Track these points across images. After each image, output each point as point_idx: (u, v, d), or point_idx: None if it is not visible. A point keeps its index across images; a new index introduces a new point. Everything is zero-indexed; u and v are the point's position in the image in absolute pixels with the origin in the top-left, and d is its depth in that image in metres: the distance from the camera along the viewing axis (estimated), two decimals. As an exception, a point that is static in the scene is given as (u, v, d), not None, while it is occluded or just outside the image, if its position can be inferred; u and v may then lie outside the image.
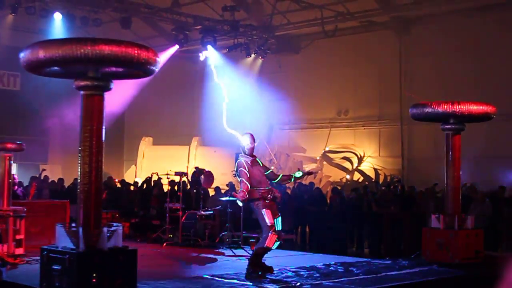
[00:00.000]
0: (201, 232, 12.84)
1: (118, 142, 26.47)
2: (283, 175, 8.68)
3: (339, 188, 17.22)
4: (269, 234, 8.14)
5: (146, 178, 17.64)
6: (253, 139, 8.46)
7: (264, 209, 8.18)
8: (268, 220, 8.16)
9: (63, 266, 6.35)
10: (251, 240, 12.40)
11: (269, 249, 8.22)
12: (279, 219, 8.35)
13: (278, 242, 8.36)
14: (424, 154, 18.85)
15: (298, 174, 8.66)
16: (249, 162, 8.26)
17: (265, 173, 8.41)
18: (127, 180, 19.42)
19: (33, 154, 22.42)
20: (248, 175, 8.15)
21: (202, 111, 24.58)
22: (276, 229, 8.22)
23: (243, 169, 8.19)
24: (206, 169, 13.86)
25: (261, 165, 8.46)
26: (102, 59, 6.23)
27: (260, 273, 8.17)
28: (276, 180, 8.61)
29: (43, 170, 19.26)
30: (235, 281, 7.90)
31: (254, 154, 8.45)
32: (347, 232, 14.60)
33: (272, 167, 8.70)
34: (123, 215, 14.96)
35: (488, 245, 11.01)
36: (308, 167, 19.72)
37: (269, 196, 8.22)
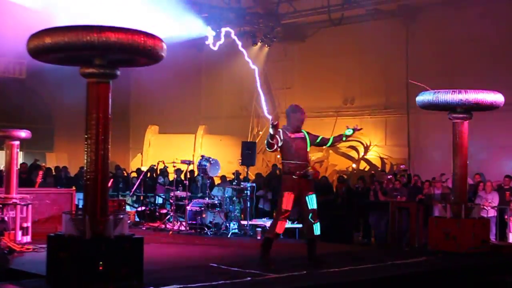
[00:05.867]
0: (207, 220, 12.86)
1: (124, 130, 26.46)
2: (334, 137, 8.54)
3: (345, 177, 17.21)
4: (279, 220, 8.10)
5: (150, 167, 17.66)
6: (300, 112, 8.33)
7: (285, 192, 8.07)
8: (283, 204, 8.06)
9: (70, 254, 6.35)
10: (257, 229, 12.40)
11: (279, 235, 8.18)
12: (312, 196, 8.16)
13: (318, 223, 8.19)
14: (430, 143, 18.77)
15: (349, 132, 8.47)
16: (287, 134, 8.18)
17: (316, 142, 8.33)
18: (133, 169, 19.47)
19: (39, 142, 22.51)
20: (280, 143, 8.07)
21: (208, 99, 24.61)
22: (309, 207, 8.09)
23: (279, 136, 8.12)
24: (212, 158, 13.86)
25: (307, 139, 8.30)
26: (108, 47, 6.19)
27: (267, 260, 8.15)
28: (329, 143, 8.52)
29: (36, 160, 19.34)
30: (241, 269, 7.89)
31: (300, 129, 8.31)
32: (353, 221, 14.58)
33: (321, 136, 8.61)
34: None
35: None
36: (314, 156, 19.68)
37: (297, 172, 8.09)
